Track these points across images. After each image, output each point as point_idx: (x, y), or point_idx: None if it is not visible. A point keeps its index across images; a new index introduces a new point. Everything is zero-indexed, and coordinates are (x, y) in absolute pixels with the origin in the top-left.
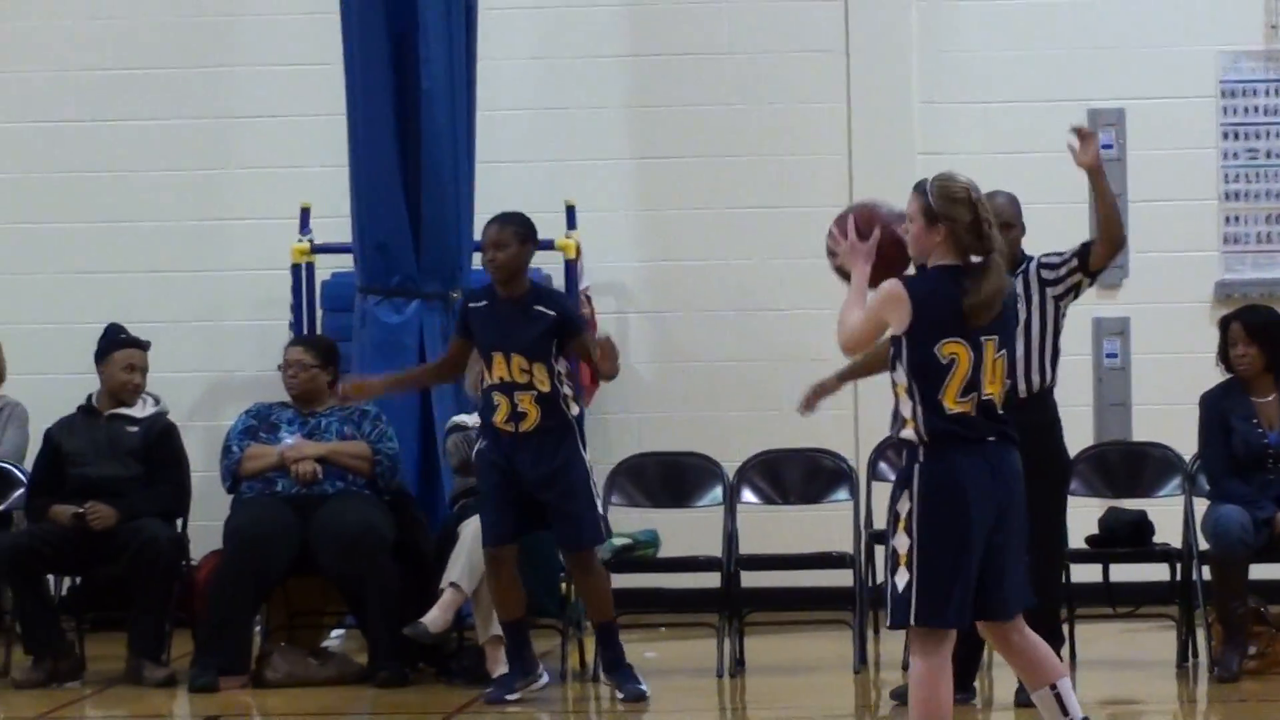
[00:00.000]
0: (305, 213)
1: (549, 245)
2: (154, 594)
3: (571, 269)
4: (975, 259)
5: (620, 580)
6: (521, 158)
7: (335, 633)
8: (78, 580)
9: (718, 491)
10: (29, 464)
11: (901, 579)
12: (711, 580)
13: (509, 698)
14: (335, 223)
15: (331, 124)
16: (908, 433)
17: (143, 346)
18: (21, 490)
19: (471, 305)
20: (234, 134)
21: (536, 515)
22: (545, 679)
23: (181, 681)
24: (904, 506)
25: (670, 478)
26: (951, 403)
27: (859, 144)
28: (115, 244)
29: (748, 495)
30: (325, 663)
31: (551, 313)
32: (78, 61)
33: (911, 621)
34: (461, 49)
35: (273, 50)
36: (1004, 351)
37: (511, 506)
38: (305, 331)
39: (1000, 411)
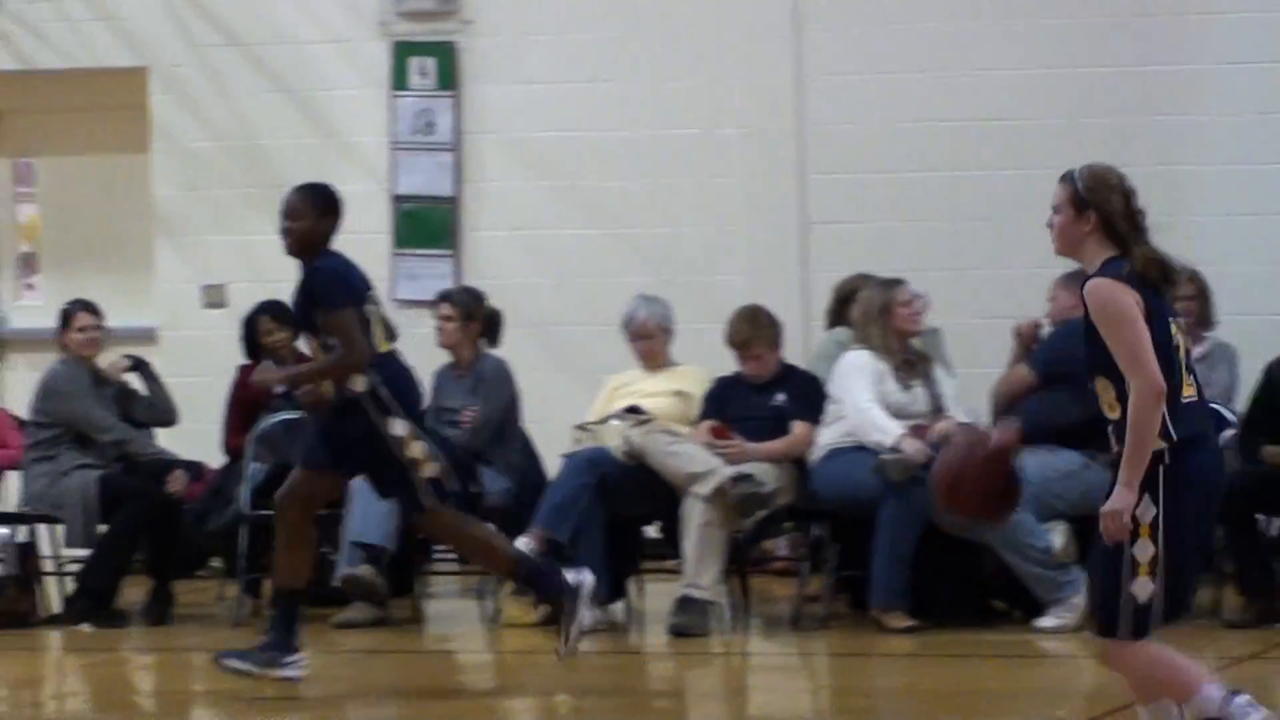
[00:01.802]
0: None
1: None
2: None
3: None
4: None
5: None
6: None
7: None
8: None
9: None
10: (1236, 405)
11: (1143, 590)
12: None
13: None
14: None
15: None
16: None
17: None
18: (1232, 430)
19: None
20: None
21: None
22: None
23: None
24: (1147, 513)
25: None
26: (1187, 389)
27: None
28: None
29: None
30: None
31: (304, 282)
32: None
33: (1150, 633)
34: None
35: None
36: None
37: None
38: None
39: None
